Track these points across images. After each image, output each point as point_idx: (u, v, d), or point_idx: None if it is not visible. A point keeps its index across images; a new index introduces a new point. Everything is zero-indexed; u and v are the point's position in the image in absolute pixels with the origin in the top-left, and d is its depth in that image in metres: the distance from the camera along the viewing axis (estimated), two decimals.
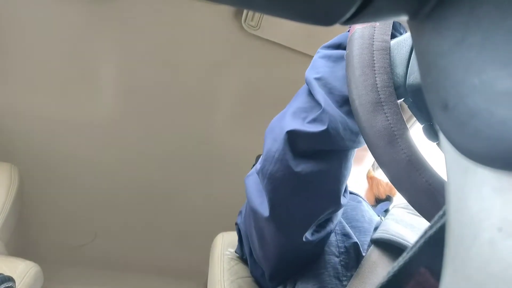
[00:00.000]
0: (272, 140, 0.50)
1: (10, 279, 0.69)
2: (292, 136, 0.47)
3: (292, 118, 0.48)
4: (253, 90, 1.20)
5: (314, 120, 0.46)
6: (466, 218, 0.13)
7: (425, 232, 0.18)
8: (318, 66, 0.50)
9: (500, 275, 0.11)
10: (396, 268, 0.19)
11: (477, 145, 0.13)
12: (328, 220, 0.56)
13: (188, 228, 1.47)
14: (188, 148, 1.31)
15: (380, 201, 0.86)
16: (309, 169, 0.47)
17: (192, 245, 1.46)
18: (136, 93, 1.17)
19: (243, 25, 1.00)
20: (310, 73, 0.50)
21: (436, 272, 0.18)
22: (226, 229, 0.95)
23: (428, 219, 0.38)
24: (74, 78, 1.11)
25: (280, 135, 0.48)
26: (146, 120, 1.23)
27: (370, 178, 0.90)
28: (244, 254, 0.74)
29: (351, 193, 0.76)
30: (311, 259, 0.59)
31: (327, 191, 0.50)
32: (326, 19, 0.16)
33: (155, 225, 1.46)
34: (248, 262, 0.72)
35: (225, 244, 0.86)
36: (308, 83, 0.50)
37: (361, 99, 0.40)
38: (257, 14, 0.97)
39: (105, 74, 1.12)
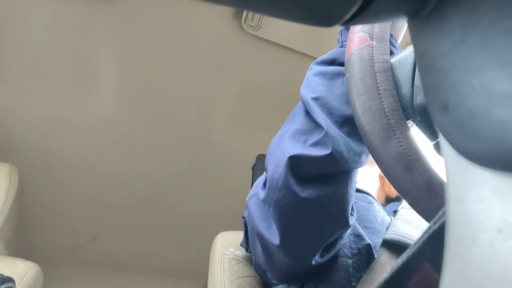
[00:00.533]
0: (274, 166, 0.48)
1: (10, 279, 0.69)
2: (295, 161, 0.45)
3: (293, 142, 0.46)
4: (253, 90, 1.20)
5: (316, 144, 0.45)
6: (466, 219, 0.13)
7: (429, 228, 0.18)
8: (314, 85, 0.48)
9: (500, 275, 0.11)
10: (400, 264, 0.19)
11: (476, 146, 0.13)
12: (338, 238, 0.56)
13: (188, 228, 1.47)
14: (188, 148, 1.31)
15: (391, 200, 0.86)
16: (315, 194, 0.46)
17: (192, 245, 1.46)
18: (135, 94, 1.17)
19: (243, 25, 1.00)
20: (306, 93, 0.48)
21: (440, 267, 0.18)
22: (226, 228, 0.95)
23: None
24: (74, 78, 1.11)
25: (282, 161, 0.46)
26: (145, 120, 1.23)
27: (382, 177, 0.89)
28: (249, 248, 0.74)
29: (362, 191, 0.76)
30: (320, 267, 0.58)
31: (335, 213, 0.49)
32: (326, 20, 0.16)
33: (155, 225, 1.46)
34: (252, 257, 0.72)
35: (225, 244, 0.86)
36: (305, 103, 0.48)
37: (370, 125, 0.39)
38: (257, 15, 0.97)
39: (105, 74, 1.12)
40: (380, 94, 0.39)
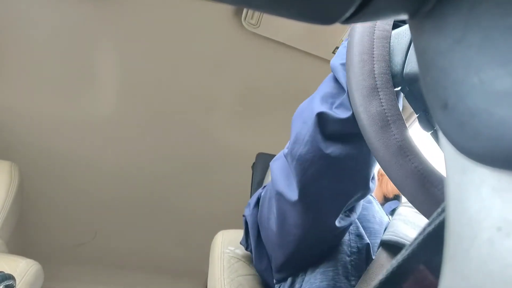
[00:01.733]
0: (302, 123, 0.50)
1: (10, 277, 0.69)
2: (322, 119, 0.47)
3: (321, 103, 0.48)
4: (253, 88, 1.20)
5: (340, 105, 0.47)
6: (465, 218, 0.13)
7: (424, 229, 0.18)
8: (343, 53, 0.50)
9: (499, 274, 0.11)
10: (395, 265, 0.19)
11: (476, 144, 0.13)
12: (352, 209, 0.57)
13: (188, 227, 1.47)
14: (188, 146, 1.31)
15: (388, 200, 0.86)
16: (338, 151, 0.47)
17: (192, 243, 1.47)
18: (136, 92, 1.17)
19: (243, 23, 1.00)
20: (336, 60, 0.50)
21: (434, 269, 0.18)
22: (226, 227, 0.95)
23: (416, 205, 0.39)
24: (74, 77, 1.11)
25: (311, 118, 0.48)
26: (145, 118, 1.23)
27: (381, 175, 0.89)
28: (249, 246, 0.74)
29: None
30: (326, 251, 0.59)
31: (356, 174, 0.50)
32: (326, 18, 0.16)
33: (155, 223, 1.46)
34: (253, 255, 0.72)
35: (225, 242, 0.86)
36: (333, 70, 0.51)
37: (358, 84, 0.41)
38: (257, 12, 0.97)
39: (105, 73, 1.12)
40: (373, 57, 0.41)
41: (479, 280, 0.12)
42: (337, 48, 1.05)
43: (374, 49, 0.41)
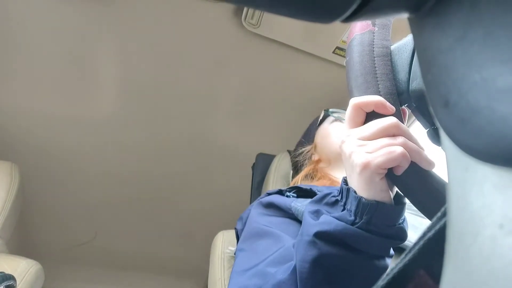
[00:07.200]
0: None
1: (11, 277, 0.69)
2: None
3: None
4: (253, 88, 1.20)
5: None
6: (467, 215, 0.13)
7: (424, 234, 0.18)
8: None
9: (501, 271, 0.11)
10: (395, 270, 0.19)
11: (478, 141, 0.13)
12: None
13: (189, 227, 1.47)
14: (189, 146, 1.31)
15: None
16: None
17: (193, 243, 1.47)
18: (136, 92, 1.17)
19: (243, 23, 1.00)
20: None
21: (435, 274, 0.18)
22: (227, 227, 0.95)
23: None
24: (75, 77, 1.11)
25: None
26: (146, 118, 1.23)
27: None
28: None
29: None
30: None
31: None
32: (326, 16, 0.16)
33: (156, 223, 1.46)
34: None
35: (226, 242, 0.86)
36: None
37: None
38: (257, 12, 0.97)
39: (106, 72, 1.12)
40: (377, 78, 0.40)
41: (481, 277, 0.12)
42: (337, 48, 1.05)
43: (376, 69, 0.40)
